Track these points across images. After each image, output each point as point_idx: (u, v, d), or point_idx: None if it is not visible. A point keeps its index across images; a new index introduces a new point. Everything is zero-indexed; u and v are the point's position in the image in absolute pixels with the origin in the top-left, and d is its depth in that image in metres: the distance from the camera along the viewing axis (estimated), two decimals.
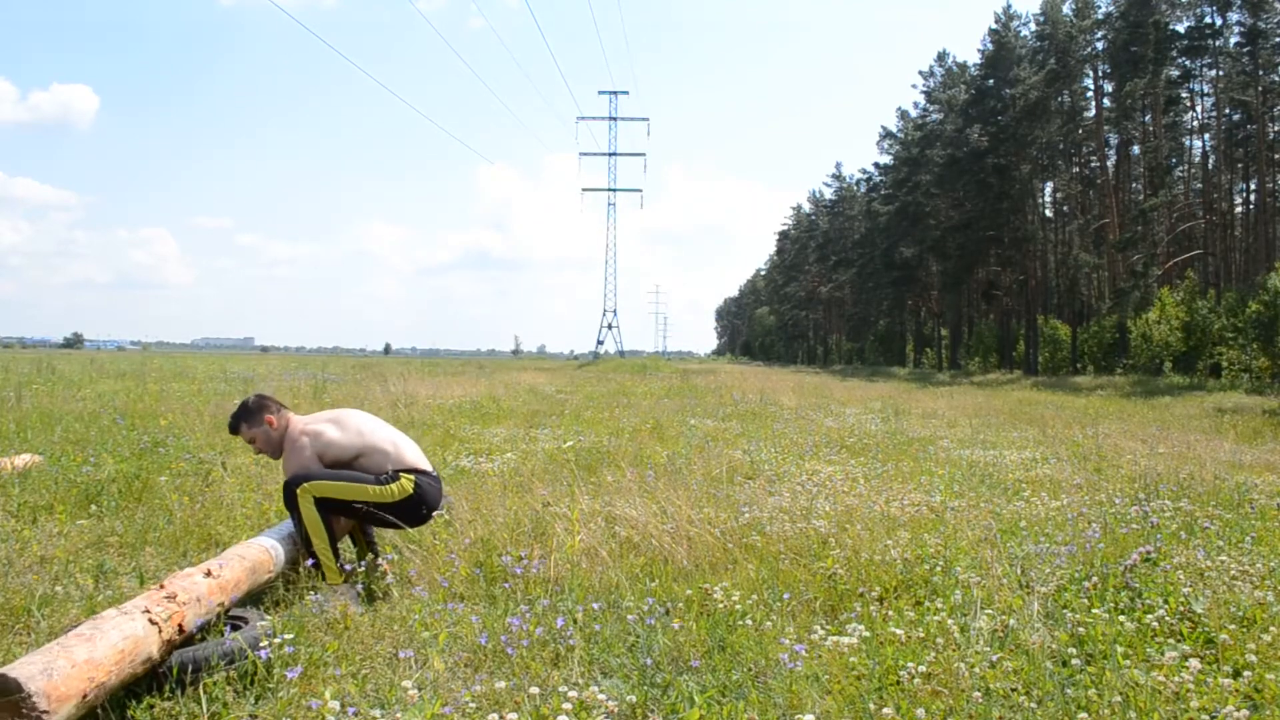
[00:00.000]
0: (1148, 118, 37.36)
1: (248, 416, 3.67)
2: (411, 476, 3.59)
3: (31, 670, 1.96)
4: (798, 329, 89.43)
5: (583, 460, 6.53)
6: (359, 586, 3.36)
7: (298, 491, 3.41)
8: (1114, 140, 38.54)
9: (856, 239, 61.69)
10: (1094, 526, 4.22)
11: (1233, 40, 34.43)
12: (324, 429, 3.63)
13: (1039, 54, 38.80)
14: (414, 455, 3.69)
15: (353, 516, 3.57)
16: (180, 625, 2.49)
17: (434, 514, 3.68)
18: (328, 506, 3.44)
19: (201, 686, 2.37)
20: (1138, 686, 2.28)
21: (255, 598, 3.39)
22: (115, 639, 2.21)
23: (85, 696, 2.06)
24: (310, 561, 3.36)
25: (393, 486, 3.53)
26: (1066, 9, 38.49)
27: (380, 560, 3.49)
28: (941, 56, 51.95)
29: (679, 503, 4.33)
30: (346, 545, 3.79)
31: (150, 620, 2.36)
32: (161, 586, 2.55)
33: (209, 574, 2.77)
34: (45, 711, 1.93)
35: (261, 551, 3.23)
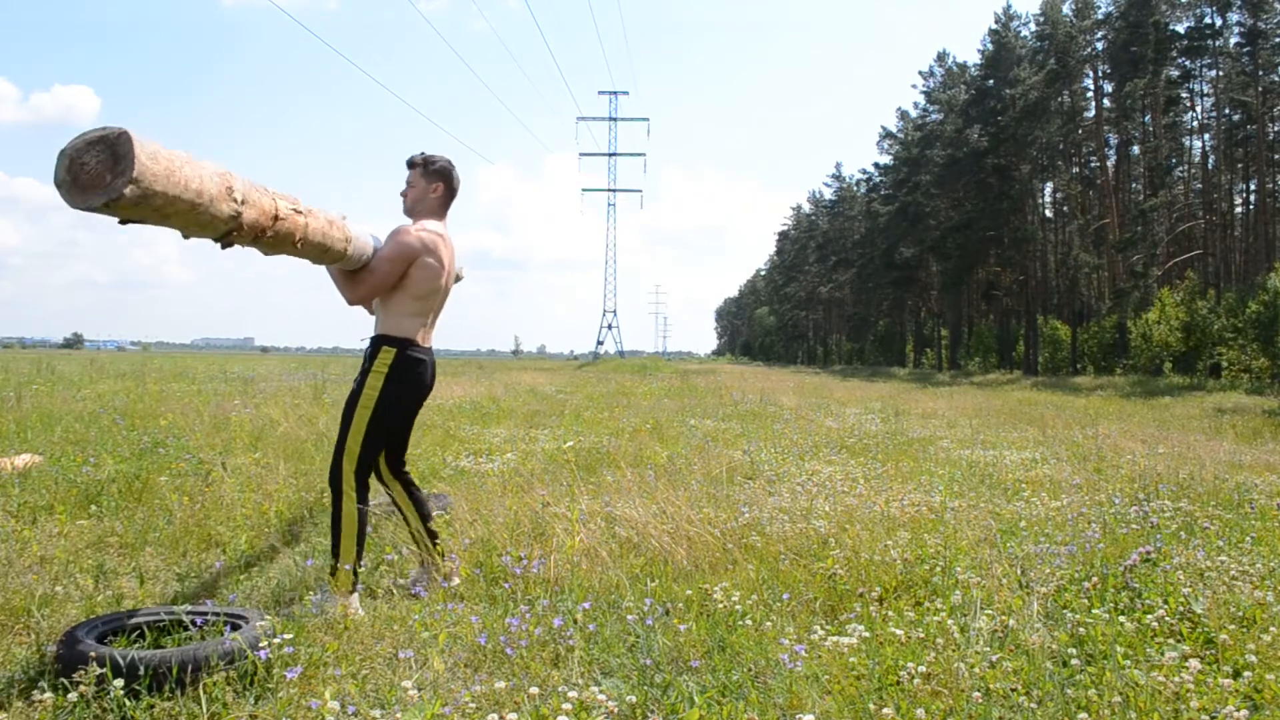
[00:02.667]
0: (1148, 118, 37.38)
1: (428, 165, 3.43)
2: (392, 350, 3.28)
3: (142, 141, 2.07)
4: (798, 329, 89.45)
5: (583, 460, 6.53)
6: (359, 588, 3.33)
7: (344, 483, 3.20)
8: (1114, 140, 38.55)
9: (856, 239, 61.71)
10: (1094, 527, 4.22)
11: (1233, 40, 34.45)
12: (441, 270, 3.32)
13: (1039, 54, 38.82)
14: (425, 331, 3.41)
15: (382, 440, 3.35)
16: (247, 212, 2.48)
17: (430, 386, 3.44)
18: (368, 459, 3.25)
19: (201, 686, 2.37)
20: (1138, 687, 2.28)
21: (255, 598, 3.39)
22: (198, 172, 2.28)
23: (155, 202, 2.13)
24: (419, 573, 3.18)
25: (370, 380, 3.25)
26: (1066, 9, 38.50)
27: (449, 557, 3.38)
28: (941, 57, 51.98)
29: (679, 503, 4.33)
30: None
31: (228, 188, 2.40)
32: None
33: (294, 210, 2.75)
34: (135, 179, 2.02)
35: (342, 236, 3.06)
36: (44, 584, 3.34)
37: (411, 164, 3.47)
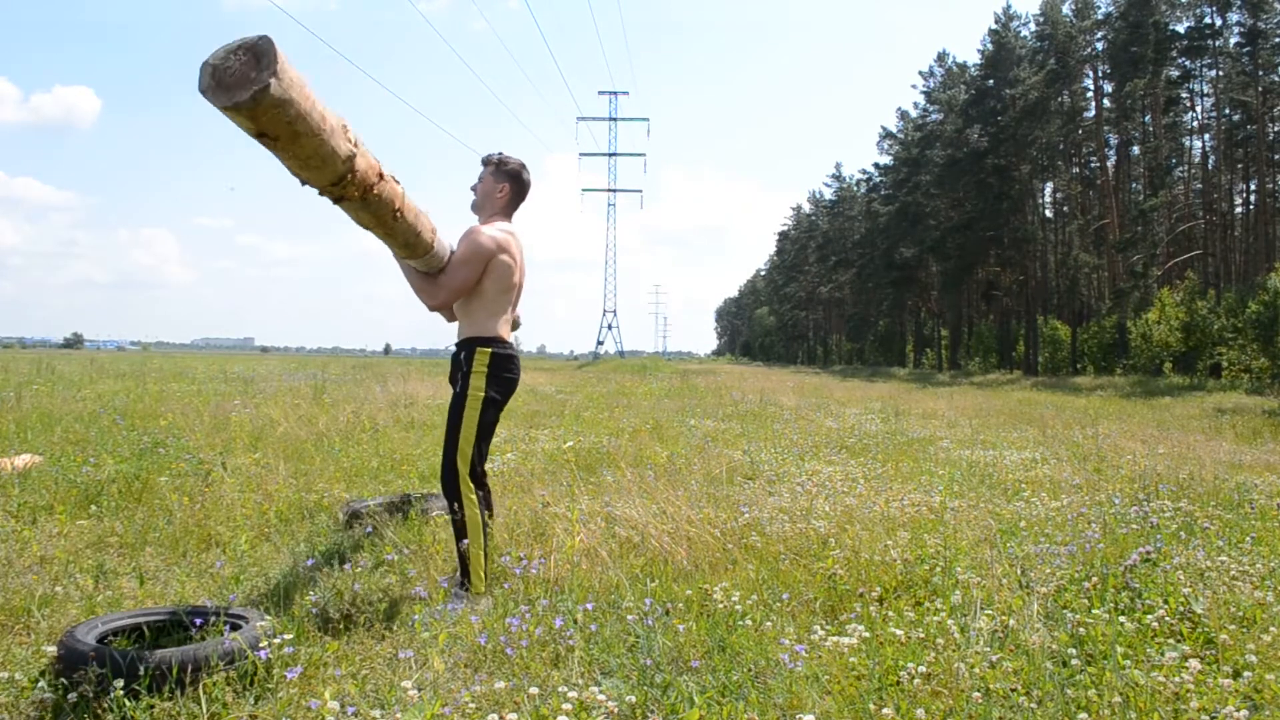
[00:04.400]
0: (1148, 118, 37.38)
1: (501, 166, 3.49)
2: (487, 350, 3.37)
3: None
4: (798, 329, 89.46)
5: (583, 460, 6.53)
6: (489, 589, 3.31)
7: (461, 487, 3.25)
8: (1114, 140, 38.56)
9: (856, 239, 61.71)
10: (1094, 527, 4.22)
11: (1233, 40, 34.46)
12: (515, 265, 3.40)
13: (1039, 54, 38.82)
14: (506, 327, 3.49)
15: (488, 439, 3.42)
16: (362, 177, 2.59)
17: (519, 379, 3.52)
18: (479, 460, 3.31)
19: (201, 686, 2.37)
20: (1138, 687, 2.28)
21: (255, 598, 3.39)
22: (318, 99, 2.36)
23: (290, 111, 2.21)
24: (444, 581, 3.21)
25: (474, 383, 3.33)
26: (1066, 9, 38.51)
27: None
28: (941, 57, 51.97)
29: (679, 503, 4.33)
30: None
31: (344, 125, 2.48)
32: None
33: (395, 180, 2.84)
34: (268, 84, 2.10)
35: (430, 226, 3.16)
36: (44, 584, 3.34)
37: (486, 162, 3.54)
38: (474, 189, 3.54)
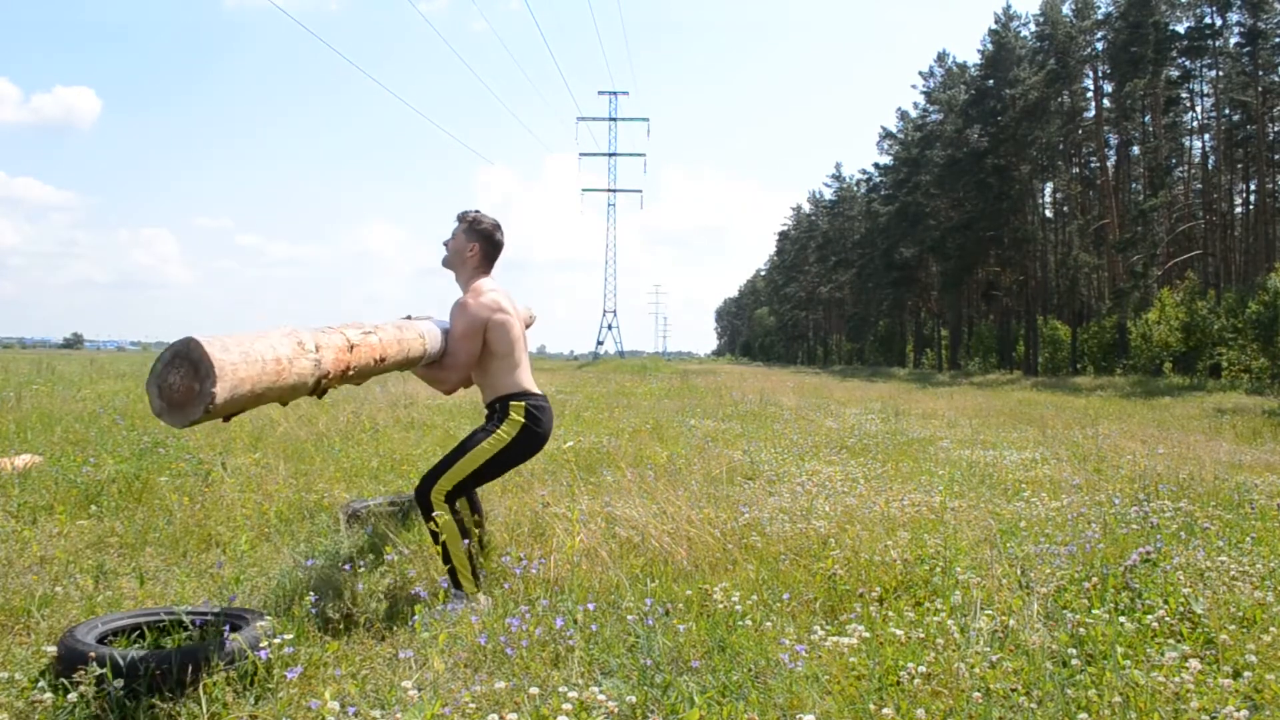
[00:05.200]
0: (1148, 118, 37.39)
1: (473, 225, 3.51)
2: (522, 404, 3.40)
3: (219, 348, 2.19)
4: (797, 329, 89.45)
5: (583, 460, 6.53)
6: (483, 585, 3.31)
7: (432, 498, 3.27)
8: (1114, 140, 38.56)
9: (856, 239, 61.71)
10: (1094, 527, 4.22)
11: (1233, 40, 34.45)
12: (510, 318, 3.41)
13: (1039, 54, 38.81)
14: (530, 378, 3.53)
15: (484, 481, 3.45)
16: (336, 369, 2.63)
17: (553, 434, 3.53)
18: (461, 491, 3.33)
19: (201, 686, 2.37)
20: (1138, 687, 2.28)
21: (255, 598, 3.39)
22: (268, 341, 2.40)
23: (244, 390, 2.24)
24: (444, 581, 3.23)
25: (503, 429, 3.37)
26: (1066, 9, 38.51)
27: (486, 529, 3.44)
28: (941, 57, 51.95)
29: (679, 503, 4.33)
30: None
31: (299, 343, 2.51)
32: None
33: (364, 333, 2.87)
34: (213, 394, 2.11)
35: (415, 335, 3.18)
36: (44, 584, 3.34)
37: (461, 219, 3.57)
38: (446, 244, 3.57)
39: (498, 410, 3.42)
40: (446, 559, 3.27)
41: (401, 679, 2.36)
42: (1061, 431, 10.36)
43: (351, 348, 2.74)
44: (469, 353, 3.37)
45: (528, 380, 3.51)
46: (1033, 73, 38.11)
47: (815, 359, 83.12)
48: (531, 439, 3.43)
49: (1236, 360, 26.70)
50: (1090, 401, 18.67)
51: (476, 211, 3.57)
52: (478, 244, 3.51)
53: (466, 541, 3.28)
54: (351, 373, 2.75)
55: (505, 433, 3.37)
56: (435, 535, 3.28)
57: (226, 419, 2.28)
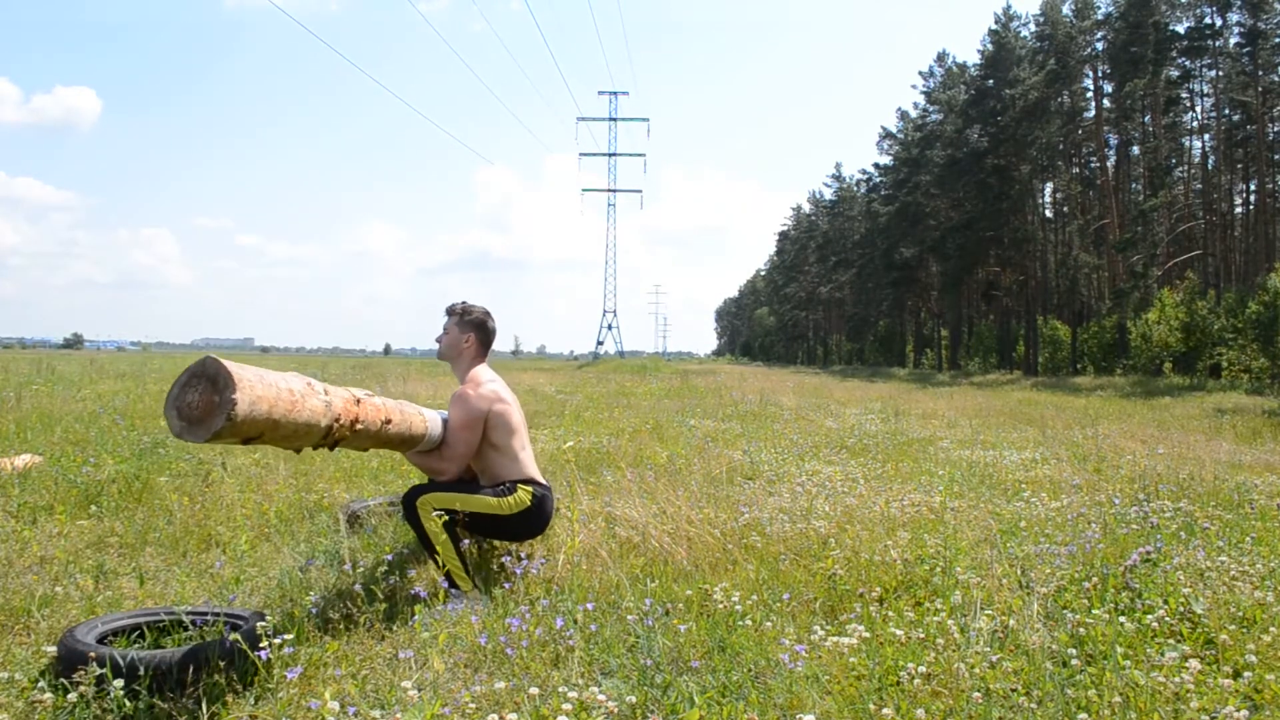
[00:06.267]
0: (1147, 118, 37.39)
1: (464, 316, 3.57)
2: (529, 489, 3.46)
3: (245, 371, 2.30)
4: (797, 329, 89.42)
5: (583, 460, 6.53)
6: (478, 583, 3.32)
7: (418, 505, 3.29)
8: (1114, 141, 38.55)
9: (856, 239, 61.71)
10: (1094, 527, 4.22)
11: (1232, 40, 34.46)
12: (509, 407, 3.48)
13: (1039, 54, 38.80)
14: (533, 465, 3.58)
15: (469, 531, 3.44)
16: (345, 417, 2.75)
17: (548, 526, 3.58)
18: (448, 516, 3.33)
19: (201, 686, 2.37)
20: (1138, 687, 2.28)
21: (255, 598, 3.39)
22: (279, 375, 2.52)
23: (262, 409, 2.33)
24: (444, 581, 3.26)
25: (510, 499, 3.40)
26: (1066, 9, 38.50)
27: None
28: (941, 57, 51.94)
29: (679, 503, 4.33)
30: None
31: (307, 383, 2.63)
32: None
33: (368, 393, 2.99)
34: (234, 401, 2.20)
35: (415, 410, 3.27)
36: (44, 584, 3.34)
37: (450, 312, 3.62)
38: (439, 340, 3.62)
39: (505, 487, 3.45)
40: (438, 562, 3.30)
41: (401, 679, 2.36)
42: (1061, 431, 10.36)
43: (358, 401, 2.83)
44: (468, 443, 3.42)
45: (532, 469, 3.55)
46: (1033, 73, 38.10)
47: (815, 359, 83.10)
48: (531, 520, 3.47)
49: (1236, 360, 26.70)
50: (1090, 401, 18.66)
51: (464, 303, 3.63)
52: (472, 334, 3.58)
53: (465, 543, 3.29)
54: (360, 426, 2.82)
55: (510, 504, 3.40)
56: (424, 539, 3.30)
57: (246, 441, 2.33)
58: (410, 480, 5.97)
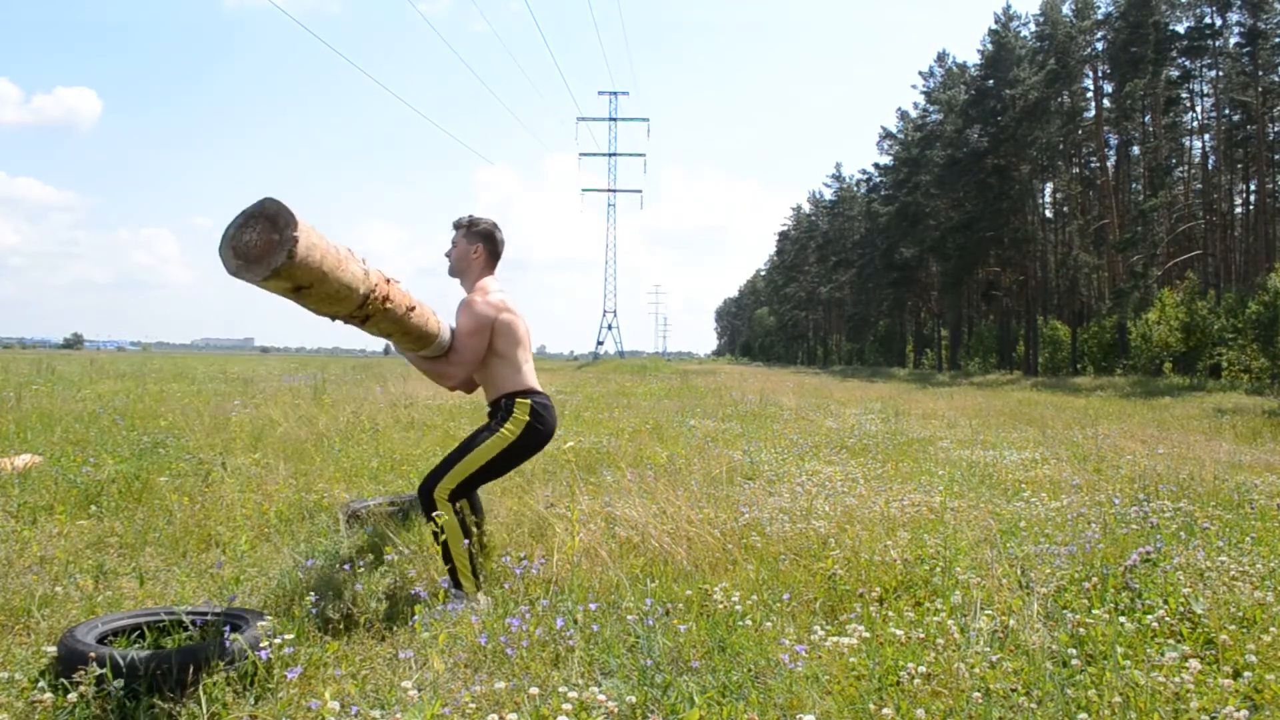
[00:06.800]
0: (1147, 118, 37.38)
1: (471, 228, 3.53)
2: (527, 401, 3.41)
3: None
4: (797, 330, 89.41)
5: (583, 461, 6.53)
6: (483, 585, 3.32)
7: (435, 496, 3.27)
8: (1114, 141, 38.55)
9: (856, 239, 61.71)
10: (1094, 527, 4.22)
11: (1233, 40, 34.46)
12: (516, 318, 3.43)
13: (1039, 54, 38.80)
14: (534, 377, 3.54)
15: (488, 479, 3.46)
16: (379, 291, 2.76)
17: (555, 433, 3.55)
18: (465, 490, 3.34)
19: (201, 686, 2.37)
20: (1138, 687, 2.28)
21: (255, 598, 3.39)
22: (335, 242, 2.52)
23: (316, 255, 2.35)
24: (445, 581, 3.25)
25: (509, 425, 3.37)
26: (1066, 9, 38.50)
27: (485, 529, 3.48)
28: (941, 57, 51.94)
29: (679, 503, 4.33)
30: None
31: (348, 248, 2.63)
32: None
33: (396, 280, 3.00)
34: (296, 238, 2.23)
35: (430, 310, 3.28)
36: (44, 584, 3.34)
37: (457, 225, 3.58)
38: (448, 255, 3.59)
39: (502, 408, 3.43)
40: (447, 558, 3.28)
41: (401, 679, 2.36)
42: (1061, 431, 10.35)
43: (388, 281, 2.84)
44: (474, 350, 3.38)
45: (532, 379, 3.52)
46: (1033, 73, 38.10)
47: (815, 359, 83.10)
48: (535, 436, 3.44)
49: (1236, 360, 26.70)
50: (1090, 402, 18.66)
51: (470, 215, 3.59)
52: (480, 245, 3.53)
53: (467, 542, 3.29)
54: (389, 305, 2.81)
55: (509, 431, 3.38)
56: (436, 534, 3.28)
57: (296, 290, 2.34)
58: (410, 481, 5.98)
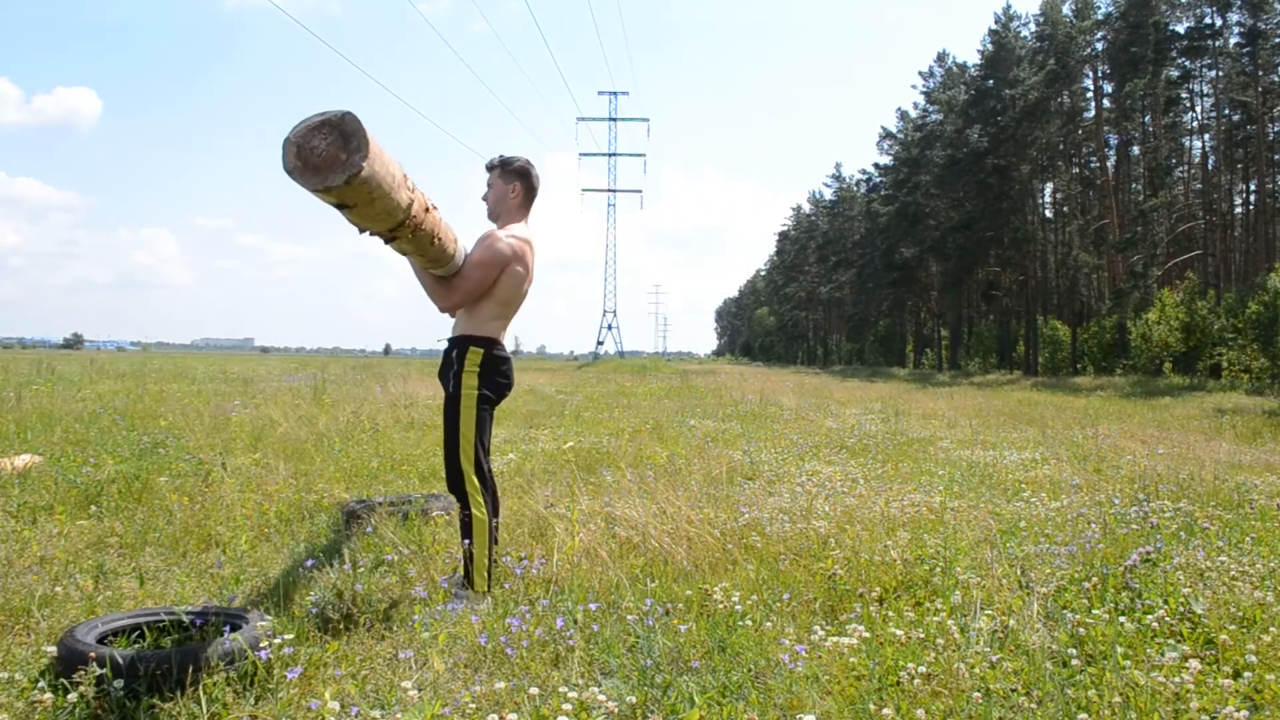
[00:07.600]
0: (1147, 118, 37.38)
1: (506, 166, 3.48)
2: (480, 350, 3.34)
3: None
4: (797, 330, 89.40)
5: (583, 461, 6.53)
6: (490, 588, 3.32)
7: (468, 488, 3.25)
8: (1114, 141, 38.55)
9: (856, 239, 61.71)
10: (1094, 527, 4.22)
11: (1232, 40, 34.46)
12: (526, 274, 3.39)
13: (1039, 54, 38.80)
14: (504, 330, 3.50)
15: (486, 436, 3.43)
16: (415, 219, 2.71)
17: (512, 381, 3.52)
18: (480, 461, 3.31)
19: (201, 686, 2.37)
20: (1138, 687, 2.28)
21: (255, 598, 3.39)
22: (395, 169, 2.49)
23: (372, 184, 2.30)
24: (445, 581, 3.22)
25: (466, 383, 3.31)
26: (1066, 9, 38.50)
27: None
28: (941, 57, 51.95)
29: (679, 503, 4.33)
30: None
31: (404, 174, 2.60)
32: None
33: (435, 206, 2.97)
34: (362, 167, 2.18)
35: (453, 237, 3.24)
36: (44, 584, 3.34)
37: (490, 166, 3.53)
38: (485, 198, 3.53)
39: (455, 356, 3.37)
40: (469, 553, 3.26)
41: (401, 679, 2.36)
42: (1061, 432, 10.35)
43: (427, 210, 2.81)
44: (479, 281, 3.33)
45: (502, 333, 3.48)
46: (1033, 73, 38.09)
47: (815, 359, 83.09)
48: (493, 386, 3.39)
49: (1236, 360, 26.71)
50: (1090, 402, 18.66)
51: (501, 155, 3.54)
52: (518, 183, 3.49)
53: (493, 545, 3.29)
54: (421, 231, 2.78)
55: (470, 385, 3.32)
56: (466, 527, 3.27)
57: (339, 205, 2.30)
58: (410, 481, 5.98)
